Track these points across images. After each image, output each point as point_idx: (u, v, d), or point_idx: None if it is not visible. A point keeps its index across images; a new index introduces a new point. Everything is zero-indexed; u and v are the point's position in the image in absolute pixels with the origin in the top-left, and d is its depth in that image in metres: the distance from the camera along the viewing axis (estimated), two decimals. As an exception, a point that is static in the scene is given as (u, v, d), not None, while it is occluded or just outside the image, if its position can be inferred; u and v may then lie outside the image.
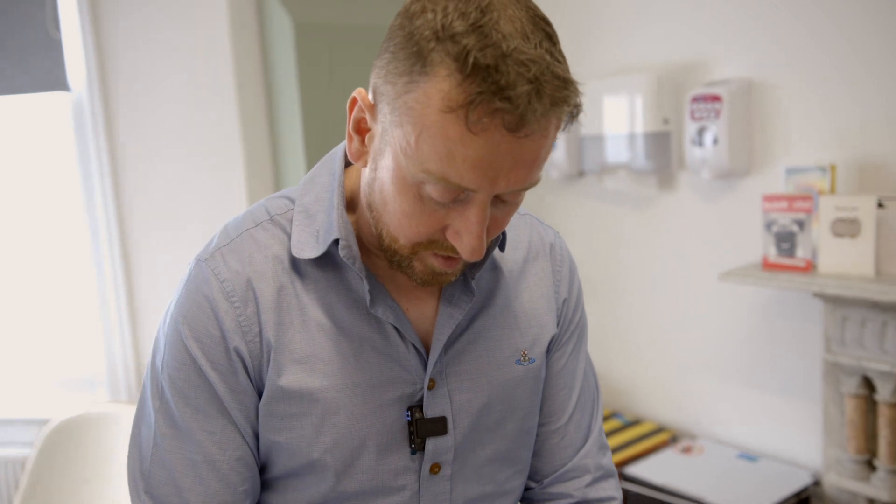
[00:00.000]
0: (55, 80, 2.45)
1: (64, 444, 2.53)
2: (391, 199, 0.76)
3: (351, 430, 0.85)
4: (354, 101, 0.79)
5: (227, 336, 0.83)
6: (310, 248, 0.84)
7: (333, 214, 0.84)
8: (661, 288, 2.45)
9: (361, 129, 0.80)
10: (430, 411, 0.87)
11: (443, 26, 0.68)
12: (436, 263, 0.79)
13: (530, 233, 1.00)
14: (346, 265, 0.85)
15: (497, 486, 0.94)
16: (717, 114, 2.13)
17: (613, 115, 2.39)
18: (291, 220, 0.87)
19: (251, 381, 0.84)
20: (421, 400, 0.87)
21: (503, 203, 0.77)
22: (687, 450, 2.31)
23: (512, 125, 0.68)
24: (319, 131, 2.46)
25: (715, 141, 2.14)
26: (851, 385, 1.92)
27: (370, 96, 0.78)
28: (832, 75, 1.98)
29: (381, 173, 0.77)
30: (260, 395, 0.85)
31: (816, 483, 2.10)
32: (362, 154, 0.80)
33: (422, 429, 0.87)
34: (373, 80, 0.77)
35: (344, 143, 0.89)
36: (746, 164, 2.17)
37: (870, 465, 1.95)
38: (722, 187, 2.25)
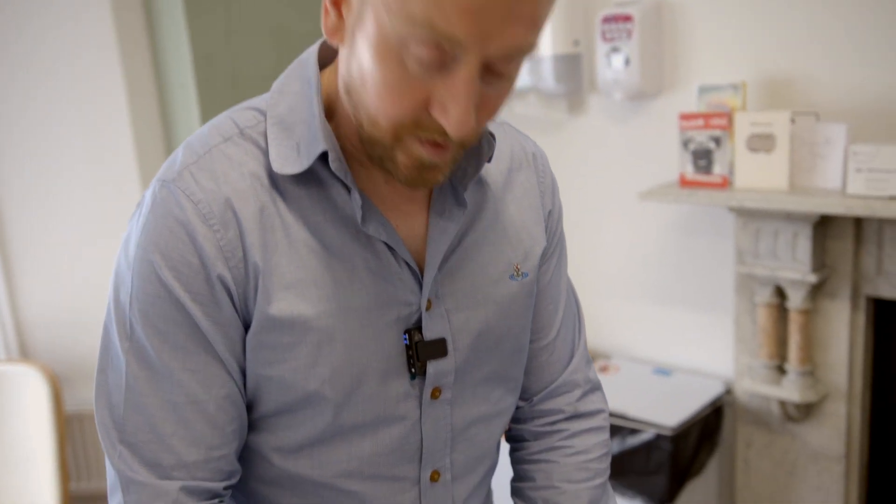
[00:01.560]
0: None
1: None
2: (370, 71, 0.68)
3: (350, 357, 0.79)
4: None
5: (208, 263, 0.73)
6: (291, 164, 0.75)
7: (315, 124, 0.75)
8: (576, 211, 2.45)
9: (338, 1, 0.71)
10: (429, 333, 0.82)
11: None
12: (422, 151, 0.71)
13: (511, 142, 0.94)
14: (330, 181, 0.77)
15: (491, 406, 0.91)
16: (629, 34, 2.13)
17: (522, 38, 2.34)
18: (265, 134, 0.78)
19: (236, 310, 0.76)
20: (419, 322, 0.82)
21: (495, 78, 0.69)
22: (603, 369, 2.36)
23: None
24: (211, 67, 2.27)
25: (627, 62, 2.14)
26: (765, 294, 2.01)
27: None
28: (741, -7, 2.01)
29: (359, 46, 0.69)
30: (246, 326, 0.77)
31: (729, 391, 2.20)
32: (339, 28, 0.72)
33: (422, 352, 0.81)
34: None
35: (315, 48, 0.80)
36: (658, 84, 2.19)
37: (780, 370, 2.06)
38: (634, 108, 2.26)
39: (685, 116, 2.01)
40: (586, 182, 2.41)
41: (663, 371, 2.32)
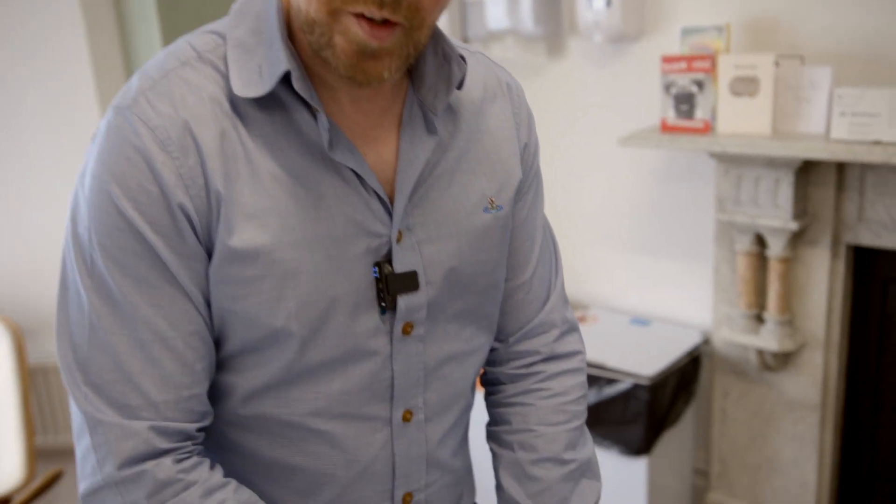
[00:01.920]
0: None
1: None
2: None
3: (317, 290, 0.75)
4: None
5: (168, 192, 0.70)
6: (253, 87, 0.71)
7: (277, 45, 0.71)
8: (555, 157, 2.40)
9: None
10: (400, 266, 0.79)
11: None
12: (360, 32, 0.67)
13: (485, 72, 0.89)
14: (294, 105, 0.73)
15: (464, 343, 0.88)
16: (611, -27, 2.05)
17: (498, -22, 2.26)
18: (224, 58, 0.74)
19: (199, 241, 0.72)
20: (389, 254, 0.78)
21: None
22: (581, 319, 2.33)
23: None
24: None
25: (608, 3, 2.07)
26: (745, 242, 1.98)
27: None
28: (728, -70, 1.93)
29: None
30: (210, 256, 0.73)
31: (706, 341, 2.18)
32: None
33: (392, 285, 0.78)
34: None
35: None
36: (640, 26, 2.12)
37: (759, 319, 2.03)
38: (615, 51, 2.19)
39: (667, 59, 1.95)
40: (565, 127, 2.35)
41: (641, 321, 2.29)
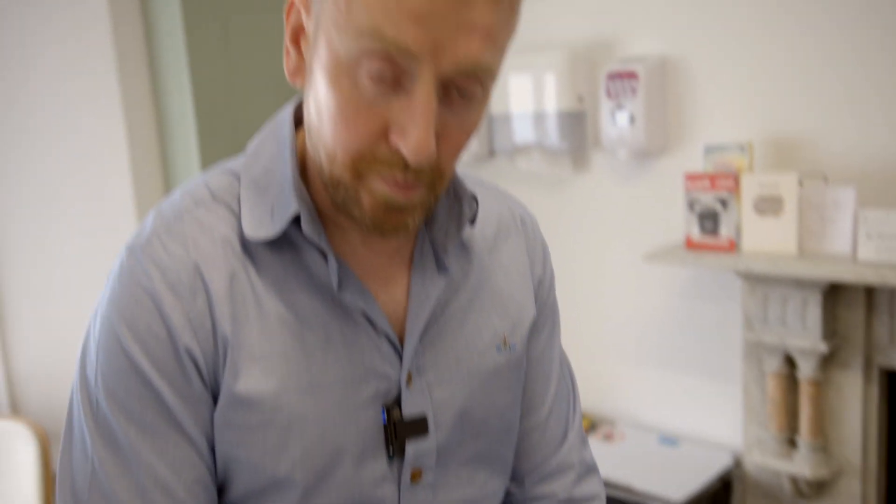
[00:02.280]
0: None
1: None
2: (325, 99, 0.65)
3: (323, 437, 0.73)
4: (291, 4, 0.68)
5: (176, 334, 0.69)
6: (265, 228, 0.72)
7: (288, 186, 0.72)
8: (579, 272, 2.39)
9: (298, 38, 0.69)
10: (409, 410, 0.76)
11: None
12: (386, 189, 0.66)
13: (499, 206, 0.89)
14: (304, 246, 0.73)
15: (477, 489, 0.84)
16: (634, 91, 2.08)
17: (523, 94, 2.31)
18: (238, 198, 0.74)
19: (205, 386, 0.71)
20: (398, 397, 0.76)
21: (458, 103, 0.65)
22: (608, 436, 2.27)
23: None
24: (212, 113, 2.26)
25: (632, 119, 2.09)
26: (774, 363, 1.92)
27: None
28: (747, 52, 1.96)
29: (316, 77, 0.66)
30: (216, 401, 0.72)
31: (737, 464, 2.10)
32: (299, 69, 0.69)
33: (401, 430, 0.75)
34: None
35: (290, 107, 0.77)
36: (663, 143, 2.14)
37: (791, 443, 1.95)
38: (639, 167, 2.20)
39: (691, 177, 1.95)
40: (589, 241, 2.34)
41: (670, 440, 2.22)
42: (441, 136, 0.65)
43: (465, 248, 0.82)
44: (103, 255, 2.39)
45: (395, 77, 0.61)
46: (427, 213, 0.71)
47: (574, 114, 2.27)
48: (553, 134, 2.27)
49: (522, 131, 2.34)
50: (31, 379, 2.48)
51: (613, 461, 2.12)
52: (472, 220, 0.78)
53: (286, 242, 0.73)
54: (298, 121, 0.77)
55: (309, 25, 0.66)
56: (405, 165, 0.64)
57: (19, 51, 2.20)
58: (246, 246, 0.72)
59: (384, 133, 0.64)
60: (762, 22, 1.92)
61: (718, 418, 2.16)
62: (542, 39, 2.30)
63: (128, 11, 2.22)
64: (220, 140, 2.28)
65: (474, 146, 2.44)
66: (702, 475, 2.02)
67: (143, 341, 0.69)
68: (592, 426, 2.36)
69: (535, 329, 0.89)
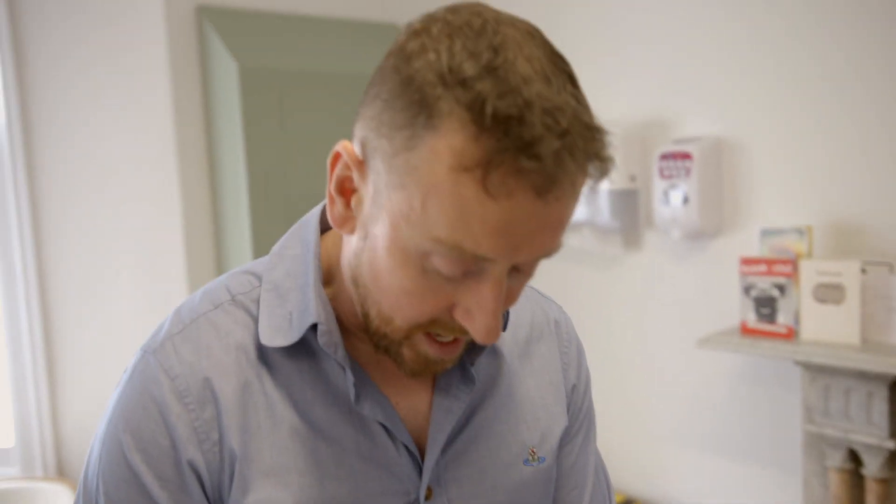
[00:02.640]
0: (-29, 121, 2.23)
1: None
2: (387, 273, 0.63)
3: None
4: (338, 156, 0.66)
5: (179, 446, 0.67)
6: (282, 335, 0.70)
7: (309, 292, 0.70)
8: (630, 352, 2.34)
9: (346, 190, 0.66)
10: None
11: (450, 68, 0.56)
12: (430, 350, 0.66)
13: (532, 308, 0.87)
14: (323, 353, 0.71)
15: None
16: (688, 172, 2.06)
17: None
18: (258, 301, 0.73)
19: (208, 499, 0.69)
20: None
21: (517, 273, 0.64)
22: (658, 526, 2.18)
23: (541, 188, 0.56)
24: (266, 188, 2.29)
25: (685, 200, 2.06)
26: (837, 458, 1.83)
27: (357, 150, 0.64)
28: (806, 132, 1.92)
29: (372, 242, 0.63)
30: None
31: (797, 562, 1.99)
32: (347, 220, 0.67)
33: None
34: (360, 133, 0.63)
35: (318, 209, 0.76)
36: (718, 224, 2.09)
37: (856, 544, 1.85)
38: (692, 248, 2.16)
39: (746, 261, 1.90)
40: (640, 321, 2.29)
41: (724, 533, 2.12)
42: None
43: (494, 354, 0.80)
44: (153, 321, 2.42)
45: (466, 271, 0.61)
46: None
47: (626, 192, 2.25)
48: (605, 211, 2.25)
49: (578, 209, 2.32)
50: (78, 441, 2.49)
51: (665, 554, 2.03)
52: (504, 327, 0.76)
53: (304, 349, 0.71)
54: (325, 223, 0.76)
55: (362, 189, 0.64)
56: (462, 331, 0.64)
57: (83, 118, 2.27)
58: (262, 352, 0.71)
59: (449, 309, 0.63)
60: (822, 101, 1.89)
61: (777, 513, 2.06)
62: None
63: (188, 82, 2.28)
64: (271, 205, 2.31)
65: (525, 222, 2.43)
66: (759, 574, 1.92)
67: (146, 451, 0.67)
68: (643, 514, 2.27)
69: (567, 436, 0.85)
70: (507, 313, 0.76)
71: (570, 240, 2.39)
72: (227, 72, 2.24)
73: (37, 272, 2.30)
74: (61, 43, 2.22)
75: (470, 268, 0.60)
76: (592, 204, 2.27)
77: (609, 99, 2.29)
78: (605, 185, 2.23)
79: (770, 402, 2.04)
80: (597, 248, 2.35)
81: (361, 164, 0.63)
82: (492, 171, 0.55)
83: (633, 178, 2.23)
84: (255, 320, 0.71)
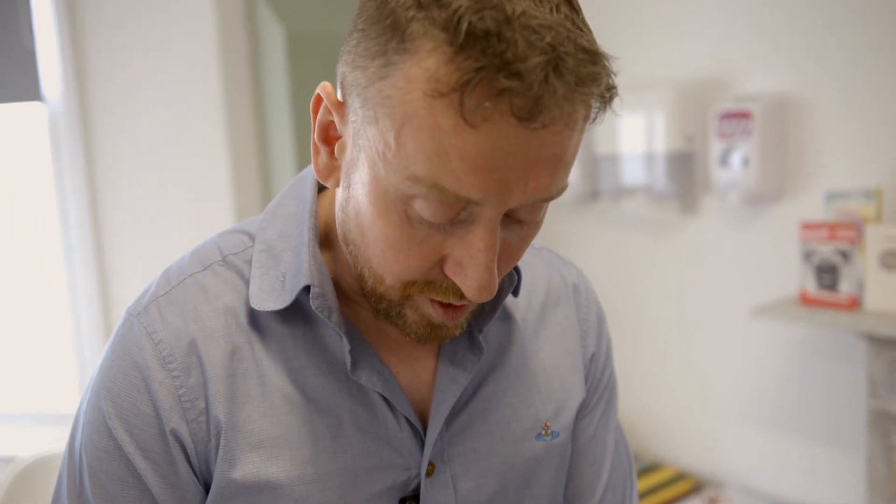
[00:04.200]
0: (29, 90, 2.28)
1: (33, 484, 2.33)
2: (370, 223, 0.58)
3: None
4: (319, 100, 0.61)
5: (163, 415, 0.64)
6: (273, 299, 0.66)
7: (303, 253, 0.66)
8: (685, 321, 2.25)
9: (330, 138, 0.62)
10: None
11: None
12: (433, 313, 0.61)
13: (549, 272, 0.81)
14: (318, 317, 0.67)
15: None
16: (748, 132, 1.94)
17: (631, 133, 2.21)
18: (250, 262, 0.69)
19: (194, 472, 0.66)
20: (417, 489, 0.69)
21: (517, 223, 0.58)
22: (714, 500, 2.10)
23: (524, 112, 0.50)
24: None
25: (745, 162, 1.95)
26: (902, 436, 1.72)
27: (338, 92, 0.60)
28: (875, 89, 1.79)
29: (355, 191, 0.59)
30: (207, 489, 0.67)
31: (859, 543, 1.89)
32: (332, 170, 0.62)
33: None
34: (340, 70, 0.59)
35: None
36: (780, 188, 1.98)
37: (922, 527, 1.74)
38: (752, 213, 2.05)
39: (808, 226, 1.79)
40: (697, 289, 2.20)
41: (782, 510, 2.03)
42: (500, 257, 0.58)
43: (507, 319, 0.74)
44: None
45: (452, 217, 0.55)
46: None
47: (683, 155, 2.14)
48: (660, 176, 2.15)
49: (628, 172, 2.23)
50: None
51: (718, 530, 1.96)
52: (515, 292, 0.71)
53: (299, 314, 0.67)
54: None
55: (344, 133, 0.59)
56: (461, 293, 0.58)
57: (134, 66, 2.30)
58: (253, 316, 0.67)
59: (439, 262, 0.58)
60: (892, 56, 1.75)
61: (838, 490, 1.95)
62: (650, 76, 2.19)
63: (235, 47, 2.28)
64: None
65: (577, 187, 2.35)
66: (817, 554, 1.83)
67: (128, 421, 0.64)
68: (695, 487, 2.20)
69: (585, 410, 0.80)
70: (519, 277, 0.70)
71: (625, 206, 2.30)
72: (273, 36, 2.22)
73: (94, 237, 2.35)
74: (113, 11, 2.25)
75: (457, 214, 0.55)
76: (647, 168, 2.18)
77: (663, 54, 2.18)
78: (660, 148, 2.13)
79: (831, 377, 1.93)
80: (652, 213, 2.26)
81: (341, 106, 0.59)
82: (468, 95, 0.50)
83: (689, 140, 2.13)
84: (247, 283, 0.68)
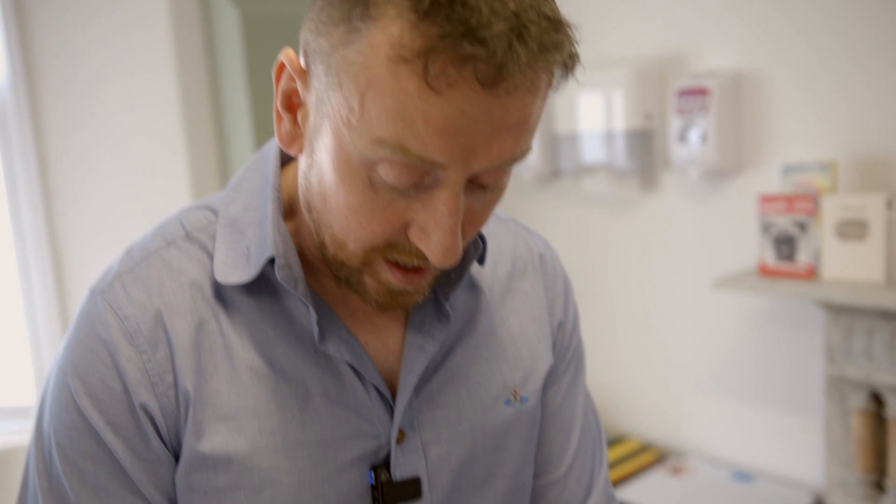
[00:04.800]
0: (-26, 76, 2.20)
1: (-9, 480, 2.27)
2: (333, 189, 0.58)
3: (299, 500, 0.66)
4: (282, 67, 0.61)
5: (131, 390, 0.64)
6: (239, 272, 0.66)
7: (267, 226, 0.66)
8: (647, 296, 2.29)
9: (293, 105, 0.62)
10: (400, 471, 0.69)
11: None
12: (392, 278, 0.61)
13: (515, 242, 0.82)
14: (284, 290, 0.67)
15: None
16: (705, 108, 1.98)
17: (590, 112, 2.23)
18: (214, 237, 0.69)
19: (165, 445, 0.66)
20: (387, 457, 0.69)
21: (482, 189, 0.59)
22: (677, 470, 2.15)
23: (487, 78, 0.51)
24: (271, 133, 2.25)
25: (703, 138, 1.98)
26: (859, 400, 1.78)
27: (301, 59, 0.60)
28: (828, 64, 1.83)
29: (318, 157, 0.59)
30: (178, 461, 0.66)
31: (819, 505, 1.95)
32: (295, 138, 0.62)
33: (389, 494, 0.68)
34: (303, 37, 0.59)
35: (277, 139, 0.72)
36: (738, 162, 2.02)
37: (879, 487, 1.80)
38: (711, 188, 2.09)
39: (766, 199, 1.84)
40: (658, 265, 2.24)
41: (744, 476, 2.08)
42: (464, 223, 0.59)
43: (473, 289, 0.75)
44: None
45: (416, 181, 0.55)
46: (434, 283, 0.66)
47: (642, 132, 2.17)
48: (620, 153, 2.18)
49: (588, 151, 2.26)
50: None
51: (682, 496, 2.00)
52: (480, 261, 0.72)
53: (265, 287, 0.67)
54: (287, 154, 0.71)
55: (307, 100, 0.59)
56: (424, 256, 0.59)
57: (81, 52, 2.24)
58: (219, 290, 0.67)
59: (403, 229, 0.58)
60: (846, 30, 1.80)
61: (798, 456, 2.02)
62: (608, 55, 2.21)
63: (189, 30, 2.24)
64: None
65: (538, 166, 2.37)
66: (779, 517, 1.89)
67: (96, 397, 0.64)
68: (660, 458, 2.25)
69: (553, 377, 0.80)
70: (485, 245, 0.71)
71: (586, 184, 2.33)
72: (228, 18, 2.18)
73: (47, 228, 2.29)
74: (61, -8, 2.18)
75: (421, 178, 0.55)
76: (607, 146, 2.21)
77: (620, 33, 2.20)
78: (620, 126, 2.16)
79: (790, 345, 1.99)
80: (613, 191, 2.29)
81: (304, 73, 0.59)
82: (432, 61, 0.50)
83: (648, 117, 2.16)
84: (211, 257, 0.68)
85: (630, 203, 2.28)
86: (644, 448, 2.28)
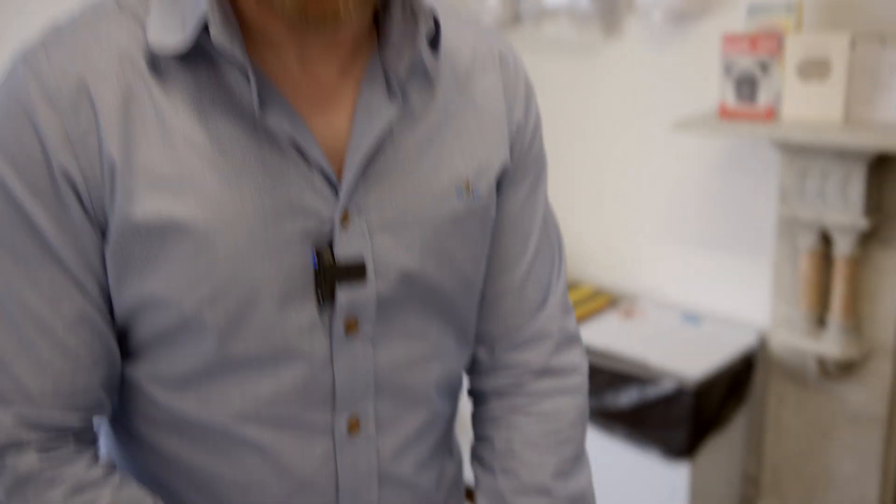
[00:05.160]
0: None
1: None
2: None
3: (237, 273, 0.65)
4: None
5: (51, 153, 0.62)
6: (173, 35, 0.63)
7: None
8: (607, 143, 2.28)
9: None
10: (344, 252, 0.68)
11: None
12: None
13: (475, 40, 0.78)
14: (224, 61, 0.64)
15: (428, 345, 0.76)
16: (673, -55, 1.91)
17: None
18: (149, 9, 0.65)
19: (87, 214, 0.64)
20: (332, 240, 0.68)
21: None
22: (628, 313, 2.21)
23: None
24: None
25: (669, -23, 1.93)
26: (809, 240, 1.83)
27: None
28: None
29: None
30: (104, 234, 0.65)
31: (762, 343, 2.04)
32: None
33: (331, 274, 0.67)
34: None
35: None
36: (702, 4, 1.97)
37: (821, 322, 1.89)
38: (675, 31, 2.05)
39: (729, 39, 1.81)
40: (620, 110, 2.22)
41: (693, 318, 2.16)
42: None
43: (428, 80, 0.72)
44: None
45: None
46: (367, 3, 0.62)
47: (606, -28, 2.10)
48: (583, -5, 2.11)
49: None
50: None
51: (632, 338, 2.07)
52: (434, 45, 0.69)
53: (202, 57, 0.64)
54: None
55: None
56: None
57: None
58: (153, 61, 0.63)
59: None
60: None
61: (746, 296, 2.09)
62: None
63: None
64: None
65: (497, 9, 2.29)
66: (724, 353, 1.97)
67: (14, 160, 0.62)
68: (612, 302, 2.31)
69: (511, 182, 0.79)
70: (438, 29, 0.68)
71: (547, 29, 2.26)
72: None
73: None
74: None
75: None
76: (570, -13, 2.13)
77: None
78: (584, -35, 2.08)
79: (747, 188, 2.02)
80: (574, 36, 2.23)
81: None
82: None
83: (614, -44, 2.08)
84: (144, 29, 0.64)
85: (592, 49, 2.23)
86: (596, 293, 2.33)
